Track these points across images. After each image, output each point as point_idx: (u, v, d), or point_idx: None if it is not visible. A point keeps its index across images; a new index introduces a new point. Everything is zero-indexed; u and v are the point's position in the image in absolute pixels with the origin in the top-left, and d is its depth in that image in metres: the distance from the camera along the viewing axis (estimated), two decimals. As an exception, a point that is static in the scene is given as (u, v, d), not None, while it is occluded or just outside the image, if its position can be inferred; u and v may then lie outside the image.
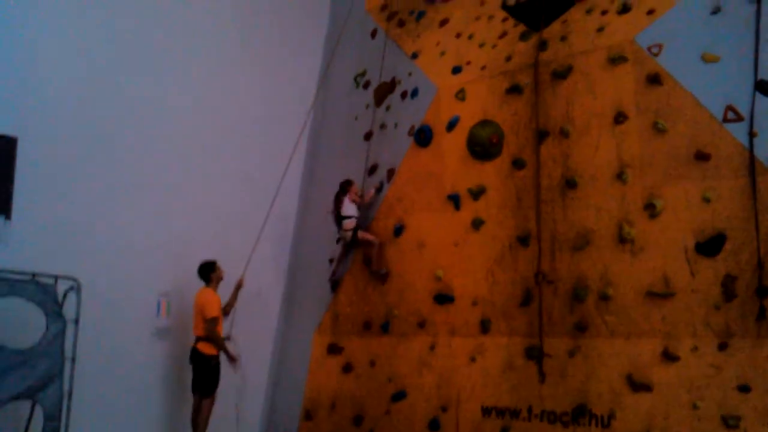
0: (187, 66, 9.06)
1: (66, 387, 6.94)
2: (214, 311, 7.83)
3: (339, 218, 8.96)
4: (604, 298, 7.07)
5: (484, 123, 8.28)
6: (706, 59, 6.89)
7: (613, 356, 6.90)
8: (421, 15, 9.71)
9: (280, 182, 9.07)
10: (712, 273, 6.52)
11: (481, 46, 8.68)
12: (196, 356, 7.87)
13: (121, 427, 7.82)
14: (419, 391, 8.17)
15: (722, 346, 6.37)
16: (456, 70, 8.77)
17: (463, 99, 8.55)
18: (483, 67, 8.49)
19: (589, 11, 7.86)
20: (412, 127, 8.97)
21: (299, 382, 9.31)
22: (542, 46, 8.03)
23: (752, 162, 6.48)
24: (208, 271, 8.09)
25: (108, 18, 8.31)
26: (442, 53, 9.07)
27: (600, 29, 7.65)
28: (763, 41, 6.62)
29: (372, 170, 9.35)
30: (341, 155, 9.85)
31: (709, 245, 6.59)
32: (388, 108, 9.50)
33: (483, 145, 8.22)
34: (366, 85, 9.99)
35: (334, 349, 9.12)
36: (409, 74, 9.33)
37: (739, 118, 6.62)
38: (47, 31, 7.75)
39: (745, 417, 6.11)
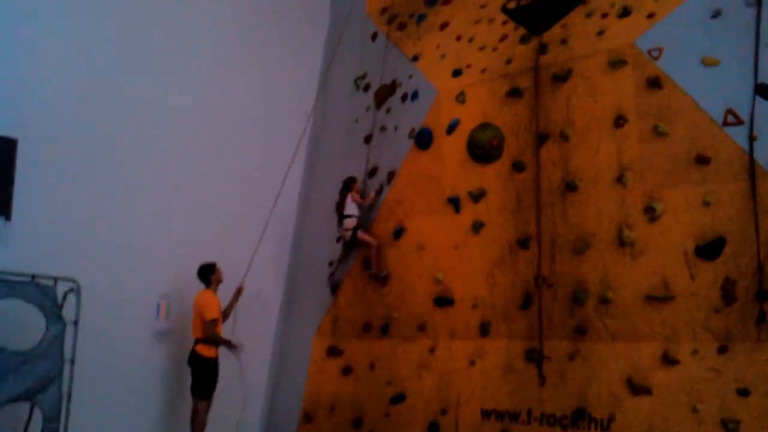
0: (187, 67, 9.05)
1: (65, 389, 6.91)
2: (213, 313, 7.82)
3: (341, 216, 8.98)
4: (604, 301, 7.07)
5: (485, 126, 8.28)
6: (706, 63, 6.91)
7: (613, 359, 6.91)
8: (421, 18, 9.72)
9: (281, 185, 9.05)
10: (712, 276, 6.53)
11: (482, 49, 8.69)
12: (194, 358, 7.86)
13: (120, 429, 7.81)
14: (419, 394, 8.17)
15: (722, 350, 6.37)
16: (456, 72, 8.77)
17: (463, 102, 8.55)
18: (483, 70, 8.50)
19: (589, 15, 7.87)
20: (413, 129, 8.98)
21: (299, 384, 9.31)
22: (542, 49, 8.04)
23: (752, 165, 6.49)
24: (208, 273, 8.07)
25: (108, 19, 8.30)
26: (443, 56, 9.08)
27: (600, 33, 7.66)
28: (762, 45, 6.64)
29: (372, 173, 9.36)
30: (341, 158, 9.86)
31: (709, 249, 6.59)
32: (388, 110, 9.51)
33: (483, 148, 8.23)
34: (366, 88, 10.00)
35: (333, 352, 9.12)
36: (410, 77, 9.34)
37: (739, 122, 6.63)
38: (47, 32, 7.74)
39: (744, 420, 6.11)
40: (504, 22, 8.68)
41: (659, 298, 6.76)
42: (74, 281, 7.11)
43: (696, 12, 7.05)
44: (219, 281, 8.13)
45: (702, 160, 6.76)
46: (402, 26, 9.91)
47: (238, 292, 8.37)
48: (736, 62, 6.72)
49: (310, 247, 10.04)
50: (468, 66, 8.70)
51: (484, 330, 7.88)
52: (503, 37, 8.55)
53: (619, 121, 7.29)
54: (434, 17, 9.58)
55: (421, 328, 8.40)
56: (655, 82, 7.12)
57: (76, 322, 7.06)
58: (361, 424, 8.52)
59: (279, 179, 9.09)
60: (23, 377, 6.61)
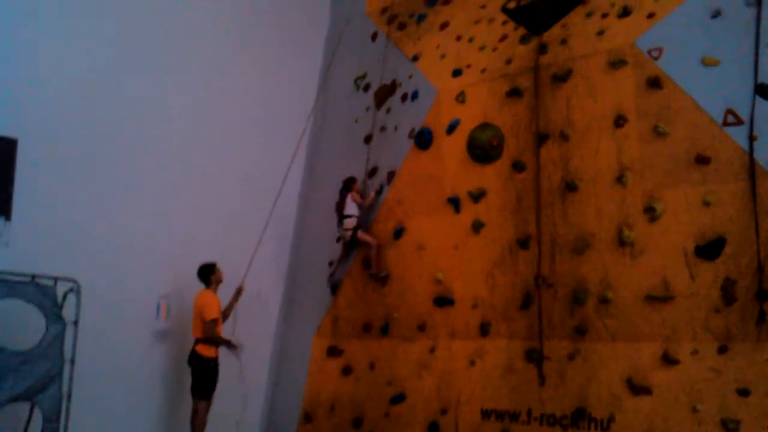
0: (187, 67, 9.05)
1: (65, 389, 6.91)
2: (213, 313, 7.82)
3: (341, 216, 8.99)
4: (604, 301, 7.07)
5: (485, 126, 8.28)
6: (706, 63, 6.91)
7: (613, 359, 6.91)
8: (421, 18, 9.72)
9: (282, 185, 9.04)
10: (712, 276, 6.53)
11: (482, 49, 8.69)
12: (194, 358, 7.86)
13: (120, 429, 7.81)
14: (419, 394, 8.17)
15: (722, 350, 6.37)
16: (456, 72, 8.77)
17: (463, 102, 8.55)
18: (483, 70, 8.50)
19: (589, 15, 7.87)
20: (413, 129, 8.98)
21: (299, 384, 9.31)
22: (542, 49, 8.04)
23: (752, 165, 6.49)
24: (208, 273, 8.07)
25: (108, 19, 8.30)
26: (443, 56, 9.08)
27: (600, 33, 7.66)
28: (762, 45, 6.64)
29: (372, 173, 9.36)
30: (341, 158, 9.85)
31: (709, 249, 6.59)
32: (388, 110, 9.51)
33: (483, 148, 8.23)
34: (366, 88, 10.00)
35: (333, 352, 9.12)
36: (410, 77, 9.34)
37: (739, 122, 6.63)
38: (47, 32, 7.74)
39: (744, 420, 6.11)
40: (504, 22, 8.68)
41: (659, 298, 6.76)
42: (74, 281, 7.10)
43: (696, 12, 7.05)
44: (219, 281, 8.13)
45: (702, 160, 6.76)
46: (402, 26, 9.91)
47: (238, 292, 8.37)
48: (736, 62, 6.72)
49: (310, 247, 10.04)
50: (468, 66, 8.70)
51: (484, 330, 7.88)
52: (503, 37, 8.55)
53: (619, 121, 7.29)
54: (434, 17, 9.58)
55: (421, 328, 8.40)
56: (655, 82, 7.12)
57: (76, 322, 7.06)
58: (361, 424, 8.52)
59: (279, 179, 9.09)
60: (23, 377, 6.60)
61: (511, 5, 8.71)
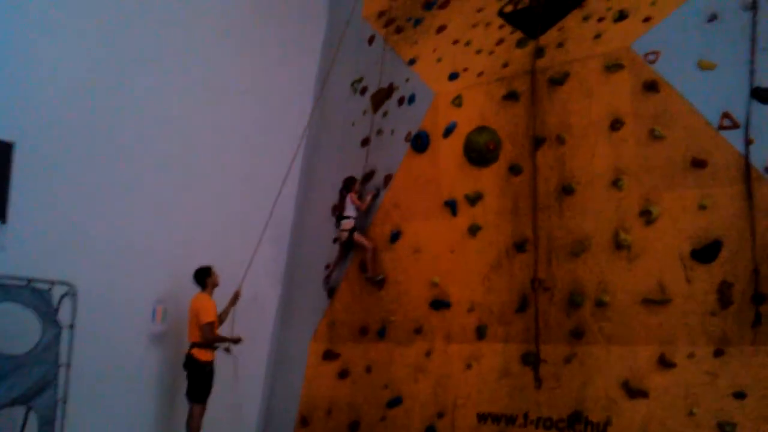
0: (185, 70, 9.04)
1: (61, 393, 6.90)
2: (210, 316, 7.80)
3: (339, 217, 8.99)
4: (601, 304, 7.07)
5: (481, 129, 8.29)
6: (703, 66, 6.93)
7: (610, 363, 6.91)
8: (418, 22, 9.74)
9: (280, 189, 9.03)
10: (708, 280, 6.53)
11: (478, 52, 8.71)
12: (190, 362, 7.83)
13: (116, 433, 7.80)
14: (415, 398, 8.16)
15: (718, 353, 6.37)
16: (453, 76, 8.79)
17: (460, 105, 8.56)
18: (480, 74, 8.52)
19: (585, 18, 7.89)
20: (409, 133, 8.99)
21: (295, 387, 9.29)
22: (539, 53, 8.06)
23: (748, 169, 6.50)
24: (204, 277, 8.05)
25: (105, 22, 8.29)
26: (439, 60, 9.09)
27: (597, 36, 7.68)
28: (758, 49, 6.66)
29: (369, 176, 9.35)
30: (338, 161, 9.86)
31: (705, 252, 6.60)
32: (385, 114, 9.52)
33: (480, 152, 8.23)
34: (363, 91, 10.00)
35: (330, 355, 9.11)
36: (407, 80, 9.35)
37: (735, 125, 6.65)
38: (43, 35, 7.71)
39: (740, 423, 6.11)
40: (501, 26, 8.69)
41: (656, 301, 6.77)
42: (70, 285, 7.09)
43: (692, 16, 7.08)
44: (215, 284, 8.10)
45: (698, 164, 6.78)
46: (399, 30, 9.92)
47: (235, 297, 8.34)
48: (732, 66, 6.74)
49: (308, 250, 10.04)
50: (465, 69, 8.72)
51: (481, 333, 7.88)
52: (500, 41, 8.57)
53: (616, 124, 7.30)
54: (431, 21, 9.60)
55: (418, 331, 8.39)
56: (651, 86, 7.13)
57: (72, 326, 7.05)
58: (358, 427, 8.51)
59: (276, 183, 9.08)
60: (19, 381, 6.59)
61: (508, 9, 8.72)
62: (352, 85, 10.22)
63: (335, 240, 9.31)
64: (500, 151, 8.11)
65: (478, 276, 7.99)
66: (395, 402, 8.28)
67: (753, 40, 6.70)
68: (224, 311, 8.21)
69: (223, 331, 8.05)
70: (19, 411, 6.78)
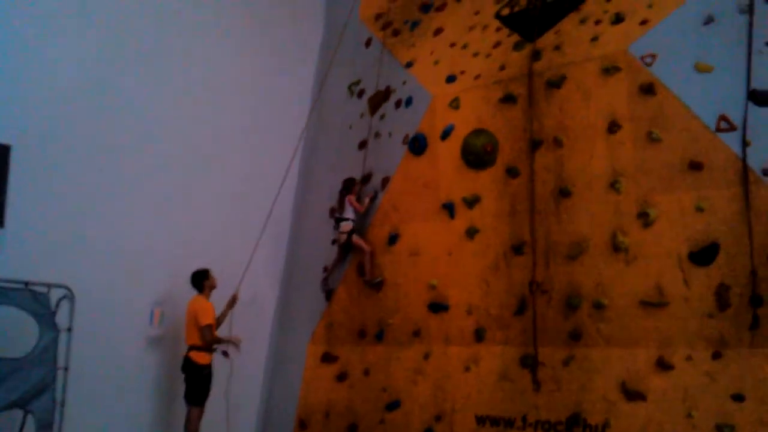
0: (182, 73, 9.05)
1: (59, 396, 6.91)
2: (208, 318, 7.80)
3: (338, 219, 9.00)
4: (598, 306, 7.08)
5: (479, 132, 8.30)
6: (700, 69, 6.94)
7: (608, 365, 6.91)
8: (415, 24, 9.75)
9: (278, 191, 9.02)
10: (706, 282, 6.55)
11: (476, 55, 8.72)
12: (188, 365, 7.83)
13: (114, 437, 7.79)
14: (414, 400, 8.16)
15: (716, 355, 6.39)
16: (450, 79, 8.79)
17: (457, 108, 8.57)
18: (477, 77, 8.52)
19: (582, 21, 7.90)
20: (407, 135, 8.99)
21: (293, 390, 9.28)
22: (536, 55, 8.07)
23: (745, 171, 6.51)
24: (201, 279, 8.05)
25: (102, 25, 8.30)
26: (437, 62, 9.10)
27: (594, 39, 7.70)
28: (755, 51, 6.67)
29: (366, 179, 9.36)
30: (336, 164, 9.85)
31: (703, 254, 6.61)
32: (382, 117, 9.52)
33: (477, 154, 8.24)
34: (360, 94, 10.01)
35: (328, 358, 9.10)
36: (404, 83, 9.35)
37: (732, 128, 6.66)
38: (41, 38, 7.72)
39: (739, 426, 6.12)
40: (498, 29, 8.70)
41: (653, 303, 6.78)
42: (68, 288, 7.10)
43: (689, 19, 7.09)
44: (212, 287, 8.11)
45: (695, 166, 6.79)
46: (396, 32, 9.93)
47: (233, 300, 8.33)
48: (729, 69, 6.76)
49: (306, 252, 10.03)
50: (462, 72, 8.72)
51: (479, 336, 7.88)
52: (497, 44, 8.58)
53: (613, 127, 7.31)
54: (428, 23, 9.61)
55: (416, 334, 8.39)
56: (648, 89, 7.15)
57: (69, 329, 7.05)
58: (356, 430, 8.50)
59: (274, 185, 9.07)
60: (17, 384, 6.60)
61: (505, 12, 8.74)
62: (350, 87, 10.22)
63: (334, 242, 9.31)
64: (497, 154, 8.12)
65: (476, 279, 8.00)
66: (394, 405, 8.27)
67: (749, 43, 6.71)
68: (222, 314, 8.21)
69: (221, 333, 8.04)
70: (17, 414, 6.77)
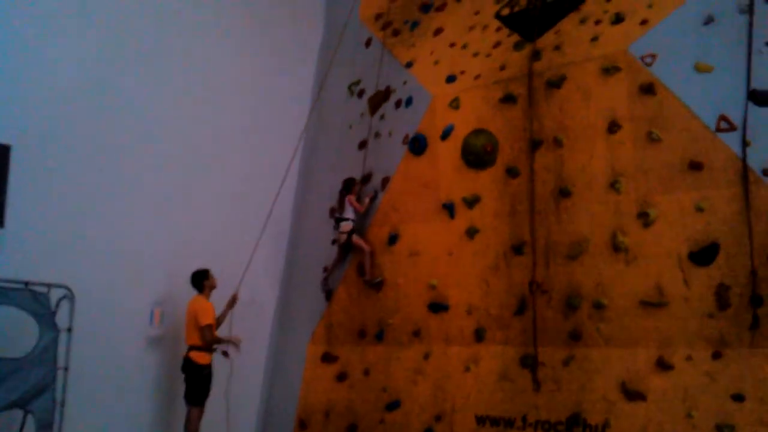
0: (182, 74, 9.05)
1: (59, 396, 6.91)
2: (208, 318, 7.80)
3: (338, 218, 9.00)
4: (598, 306, 7.08)
5: (478, 132, 8.30)
6: (699, 69, 6.95)
7: (608, 365, 6.92)
8: (415, 24, 9.75)
9: (278, 191, 9.02)
10: (706, 282, 6.55)
11: (476, 55, 8.72)
12: (188, 365, 7.83)
13: (114, 437, 7.79)
14: (414, 400, 8.16)
15: (716, 355, 6.39)
16: (450, 79, 8.79)
17: (457, 108, 8.57)
18: (477, 77, 8.52)
19: (582, 21, 7.90)
20: (407, 135, 8.99)
21: (293, 390, 9.28)
22: (536, 55, 8.07)
23: (745, 171, 6.51)
24: (201, 279, 8.05)
25: (102, 26, 8.29)
26: (437, 62, 9.10)
27: (594, 39, 7.70)
28: (755, 51, 6.67)
29: (366, 179, 9.36)
30: (336, 164, 9.85)
31: (703, 254, 6.62)
32: (382, 117, 9.52)
33: (477, 154, 8.24)
34: (360, 94, 10.01)
35: (328, 358, 9.10)
36: (404, 83, 9.35)
37: (731, 128, 6.66)
38: (40, 39, 7.72)
39: (739, 426, 6.13)
40: (498, 29, 8.71)
41: (653, 303, 6.78)
42: (68, 288, 7.09)
43: (689, 19, 7.10)
44: (212, 287, 8.11)
45: (695, 166, 6.79)
46: (396, 32, 9.93)
47: (232, 300, 8.32)
48: (729, 68, 6.76)
49: (305, 252, 10.03)
50: (462, 72, 8.72)
51: (479, 336, 7.88)
52: (497, 44, 8.58)
53: (613, 127, 7.31)
54: (428, 23, 9.61)
55: (416, 334, 8.39)
56: (648, 89, 7.15)
57: (69, 329, 7.05)
58: (356, 430, 8.50)
59: (274, 185, 9.07)
60: (16, 384, 6.60)
61: (505, 12, 8.74)
62: (350, 87, 10.22)
63: (334, 242, 9.31)
64: (497, 154, 8.12)
65: (476, 279, 8.00)
66: (394, 405, 8.27)
67: (749, 43, 6.71)
68: (221, 315, 8.21)
69: (221, 333, 8.04)
70: (17, 414, 6.77)
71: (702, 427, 6.28)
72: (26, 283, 6.81)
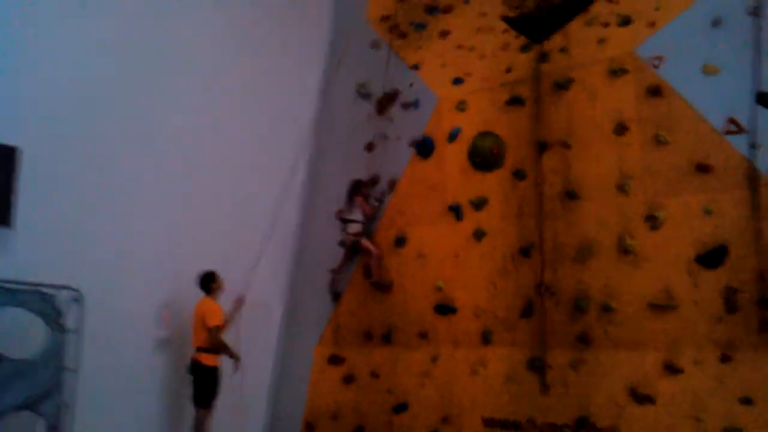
0: (189, 76, 9.05)
1: (67, 398, 6.92)
2: (216, 320, 7.82)
3: (345, 219, 8.99)
4: (606, 309, 7.06)
5: (485, 134, 8.30)
6: (707, 71, 6.92)
7: (616, 368, 6.90)
8: (422, 26, 9.73)
9: (283, 194, 9.03)
10: (714, 285, 6.52)
11: (482, 57, 8.72)
12: (196, 367, 7.85)
13: (122, 438, 7.80)
14: (421, 403, 8.15)
15: (725, 359, 6.36)
16: (457, 81, 8.79)
17: (464, 110, 8.57)
18: (484, 79, 8.52)
19: (589, 23, 7.89)
20: (414, 138, 8.99)
21: (301, 392, 9.29)
22: (543, 57, 8.06)
23: (753, 174, 6.49)
24: (209, 281, 8.07)
25: (109, 29, 8.29)
26: (443, 64, 9.10)
27: (601, 41, 7.69)
28: (763, 53, 6.63)
29: (374, 181, 9.35)
30: (343, 166, 9.84)
31: (711, 257, 6.59)
32: (389, 119, 9.51)
33: (484, 156, 8.24)
34: (367, 96, 10.00)
35: (335, 360, 9.11)
36: (411, 85, 9.36)
37: (740, 130, 6.64)
38: (48, 41, 7.74)
39: (747, 429, 6.10)
40: (504, 31, 8.70)
41: (661, 306, 6.76)
42: (76, 290, 7.11)
43: (697, 21, 7.07)
44: (219, 289, 8.12)
45: (703, 169, 6.77)
46: (403, 35, 9.93)
47: (238, 302, 8.31)
48: (737, 71, 6.72)
49: (312, 255, 10.02)
50: (469, 74, 8.72)
51: (486, 338, 7.87)
52: (504, 46, 8.57)
53: (620, 129, 7.30)
54: (435, 25, 9.60)
55: (423, 336, 8.39)
56: (656, 91, 7.13)
57: (78, 331, 7.06)
58: (363, 432, 8.52)
59: (281, 188, 9.07)
60: (25, 387, 6.62)
61: (512, 14, 8.73)
62: (357, 90, 10.22)
63: (341, 243, 9.30)
64: (505, 156, 8.11)
65: (483, 281, 7.99)
66: (401, 407, 8.27)
67: (757, 45, 6.69)
68: (227, 318, 8.20)
69: (228, 336, 8.05)
70: (25, 416, 6.78)
71: (710, 431, 6.25)
72: (35, 285, 6.82)
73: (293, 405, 9.32)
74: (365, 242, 8.92)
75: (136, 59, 8.50)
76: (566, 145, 7.64)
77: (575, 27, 8.01)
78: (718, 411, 6.26)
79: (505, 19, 8.76)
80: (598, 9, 7.89)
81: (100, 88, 8.07)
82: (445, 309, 8.24)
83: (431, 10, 9.79)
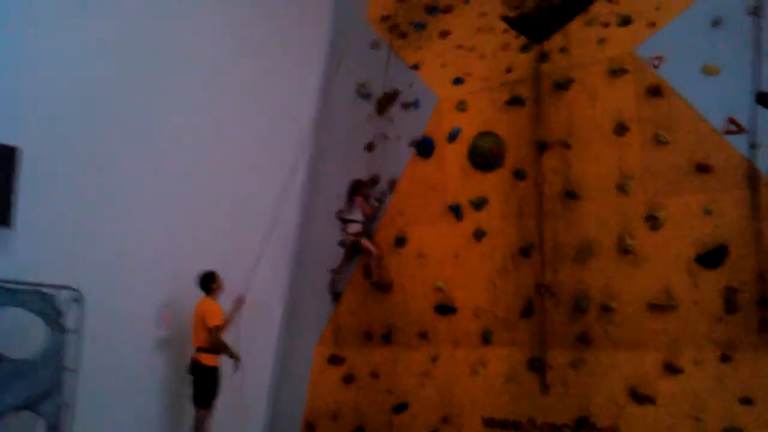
0: (189, 76, 9.04)
1: (67, 398, 6.92)
2: (216, 320, 7.82)
3: (345, 219, 8.99)
4: (606, 309, 7.07)
5: (485, 134, 8.30)
6: (707, 71, 6.93)
7: (616, 368, 6.90)
8: (422, 26, 9.73)
9: (283, 194, 9.02)
10: (714, 285, 6.53)
11: (482, 57, 8.72)
12: (195, 367, 7.85)
13: (122, 438, 7.81)
14: (421, 403, 8.16)
15: (725, 359, 6.37)
16: (457, 81, 8.80)
17: (464, 110, 8.58)
18: (484, 79, 8.52)
19: (589, 23, 7.89)
20: (414, 138, 8.99)
21: (301, 392, 9.28)
22: (543, 57, 8.06)
23: (753, 173, 6.49)
24: (209, 282, 8.07)
25: (109, 29, 8.29)
26: (444, 64, 9.10)
27: (601, 41, 7.69)
28: (763, 53, 6.64)
29: (374, 181, 9.35)
30: (343, 166, 9.83)
31: (711, 257, 6.60)
32: (389, 119, 9.51)
33: (484, 156, 8.24)
34: (367, 96, 10.00)
35: (335, 360, 9.11)
36: (411, 85, 9.36)
37: (740, 130, 6.64)
38: (48, 41, 7.73)
39: (747, 429, 6.10)
40: (504, 31, 8.70)
41: (661, 306, 6.76)
42: (76, 290, 7.11)
43: (697, 21, 7.08)
44: (219, 289, 8.12)
45: (703, 169, 6.77)
46: (403, 35, 9.93)
47: (238, 302, 8.31)
48: (737, 71, 6.73)
49: (312, 255, 10.02)
50: (469, 74, 8.73)
51: (486, 338, 7.88)
52: (504, 46, 8.58)
53: (620, 129, 7.30)
54: (435, 25, 9.60)
55: (423, 336, 8.39)
56: (656, 91, 7.14)
57: (78, 331, 7.06)
58: (363, 432, 8.52)
59: (281, 188, 9.07)
60: (25, 387, 6.61)
61: (512, 14, 8.73)
62: (357, 90, 10.22)
63: (341, 243, 9.30)
64: (505, 156, 8.11)
65: (483, 281, 7.99)
66: (401, 407, 8.27)
67: (757, 45, 6.69)
68: (227, 318, 8.20)
69: (228, 336, 8.05)
70: (25, 416, 6.78)
71: (710, 431, 6.25)
72: (35, 285, 6.82)
73: (293, 405, 9.32)
74: (365, 242, 8.92)
75: (136, 59, 8.50)
76: (566, 145, 7.64)
77: (575, 27, 8.01)
78: (718, 411, 6.26)
79: (505, 19, 8.76)
80: (598, 9, 7.90)
81: (100, 88, 8.07)
82: (445, 309, 8.24)
83: (431, 10, 9.79)
